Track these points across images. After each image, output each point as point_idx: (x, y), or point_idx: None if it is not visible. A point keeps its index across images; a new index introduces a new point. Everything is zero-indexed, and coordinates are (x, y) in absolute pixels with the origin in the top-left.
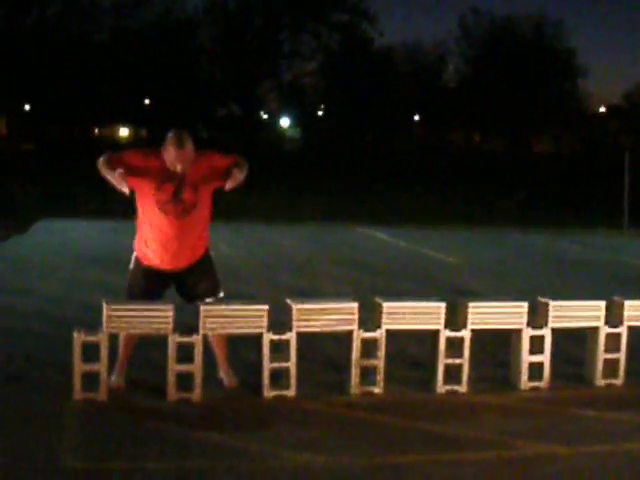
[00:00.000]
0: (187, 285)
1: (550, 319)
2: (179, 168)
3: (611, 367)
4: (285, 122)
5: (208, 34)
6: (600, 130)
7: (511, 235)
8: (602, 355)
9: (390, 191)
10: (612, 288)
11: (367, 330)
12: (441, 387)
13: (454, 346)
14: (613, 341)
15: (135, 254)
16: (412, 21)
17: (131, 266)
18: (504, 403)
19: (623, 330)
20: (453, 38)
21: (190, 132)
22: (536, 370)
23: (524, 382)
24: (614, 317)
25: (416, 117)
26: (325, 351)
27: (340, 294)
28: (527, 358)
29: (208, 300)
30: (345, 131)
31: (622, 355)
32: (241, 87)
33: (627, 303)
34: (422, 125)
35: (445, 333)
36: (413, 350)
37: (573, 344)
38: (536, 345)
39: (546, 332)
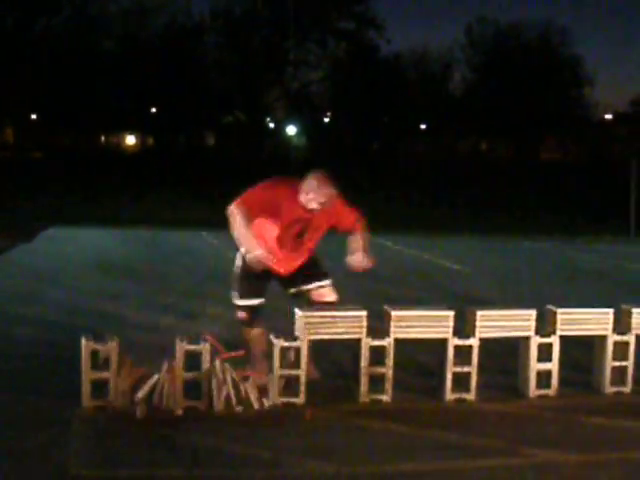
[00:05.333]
0: (294, 278)
1: (558, 327)
2: (317, 206)
3: (619, 375)
4: (291, 130)
5: (214, 42)
6: (607, 137)
7: (519, 243)
8: (610, 363)
9: (398, 199)
10: (620, 295)
11: (375, 338)
12: (450, 395)
13: (462, 354)
14: (621, 349)
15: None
16: (418, 29)
17: (239, 262)
18: (513, 411)
19: (631, 338)
20: (459, 46)
21: (196, 139)
22: (544, 378)
23: (532, 390)
24: (622, 325)
25: (423, 125)
26: (334, 358)
27: (348, 302)
28: (535, 366)
29: (320, 283)
30: (352, 139)
31: (630, 363)
32: (247, 94)
33: (635, 311)
34: (429, 133)
35: (454, 341)
36: (422, 358)
37: (581, 352)
38: (544, 353)
39: (554, 340)
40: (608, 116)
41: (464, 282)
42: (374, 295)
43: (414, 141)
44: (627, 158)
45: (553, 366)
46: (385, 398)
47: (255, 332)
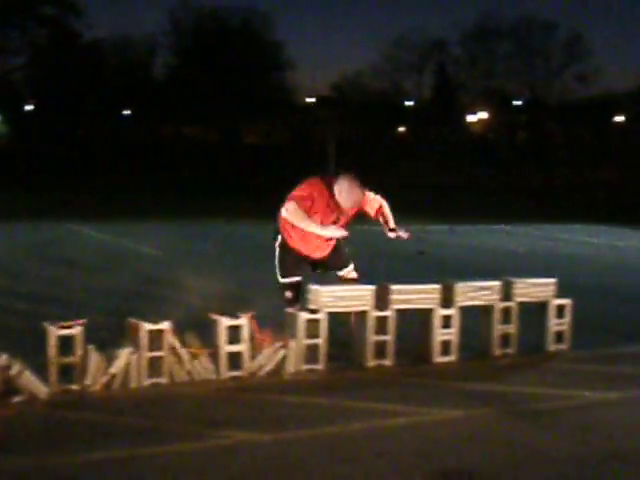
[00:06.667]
0: (321, 264)
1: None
2: (349, 205)
3: (313, 353)
4: None
5: None
6: (310, 119)
7: (220, 227)
8: (303, 341)
9: (101, 186)
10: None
11: (63, 327)
12: (145, 380)
13: (155, 339)
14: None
15: (280, 238)
16: (122, 14)
17: (278, 245)
18: (204, 393)
19: (322, 316)
20: (163, 31)
21: None
22: (237, 359)
23: (224, 372)
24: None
25: (127, 111)
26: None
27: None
28: (226, 348)
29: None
30: (55, 126)
31: (321, 341)
32: None
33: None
34: (132, 119)
35: (146, 327)
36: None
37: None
38: (235, 334)
39: (243, 322)
40: (311, 99)
41: (161, 267)
42: (73, 284)
43: (117, 127)
44: (327, 140)
45: (244, 348)
46: (75, 387)
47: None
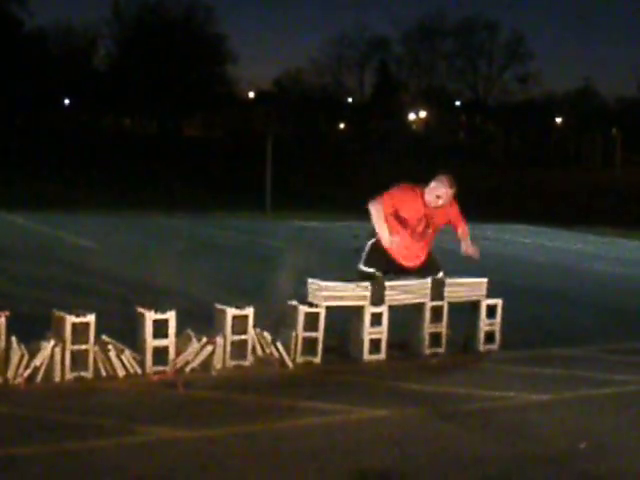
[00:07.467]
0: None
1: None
2: (440, 204)
3: (240, 349)
4: None
5: None
6: (248, 115)
7: (156, 220)
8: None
9: (38, 176)
10: (251, 268)
11: None
12: (68, 374)
13: (80, 332)
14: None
15: (375, 240)
16: (64, 2)
17: (371, 244)
18: (128, 388)
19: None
20: (105, 21)
21: None
22: (162, 354)
23: (149, 367)
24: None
25: (67, 101)
26: None
27: None
28: (151, 343)
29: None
30: None
31: (250, 337)
32: None
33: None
34: (73, 109)
35: (71, 319)
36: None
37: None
38: (161, 330)
39: (170, 316)
40: (251, 94)
41: (97, 259)
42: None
43: (58, 116)
44: (265, 135)
45: (170, 344)
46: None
47: None
